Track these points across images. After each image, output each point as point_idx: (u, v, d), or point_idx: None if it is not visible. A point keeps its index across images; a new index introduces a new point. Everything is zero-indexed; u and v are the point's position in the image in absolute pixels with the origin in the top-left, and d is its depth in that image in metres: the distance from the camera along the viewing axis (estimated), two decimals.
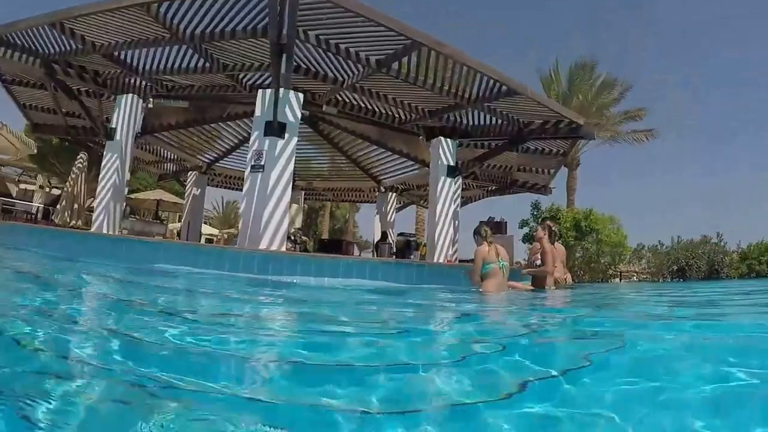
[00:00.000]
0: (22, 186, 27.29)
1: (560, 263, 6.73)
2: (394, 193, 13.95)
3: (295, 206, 10.10)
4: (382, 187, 14.05)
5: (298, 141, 14.58)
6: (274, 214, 7.15)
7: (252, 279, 5.78)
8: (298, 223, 9.68)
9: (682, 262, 20.08)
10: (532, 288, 6.34)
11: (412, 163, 12.48)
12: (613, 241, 17.20)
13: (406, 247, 11.50)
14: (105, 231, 8.58)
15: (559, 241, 7.84)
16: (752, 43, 71.37)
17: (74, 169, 10.98)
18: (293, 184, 15.85)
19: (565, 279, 6.89)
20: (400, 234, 12.33)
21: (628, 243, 19.25)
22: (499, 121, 9.26)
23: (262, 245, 6.86)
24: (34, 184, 26.41)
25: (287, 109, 7.52)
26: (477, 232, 6.22)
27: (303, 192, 15.67)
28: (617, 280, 21.47)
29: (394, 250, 11.65)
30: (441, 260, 8.97)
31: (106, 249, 6.46)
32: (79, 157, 11.19)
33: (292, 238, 9.74)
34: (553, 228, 6.62)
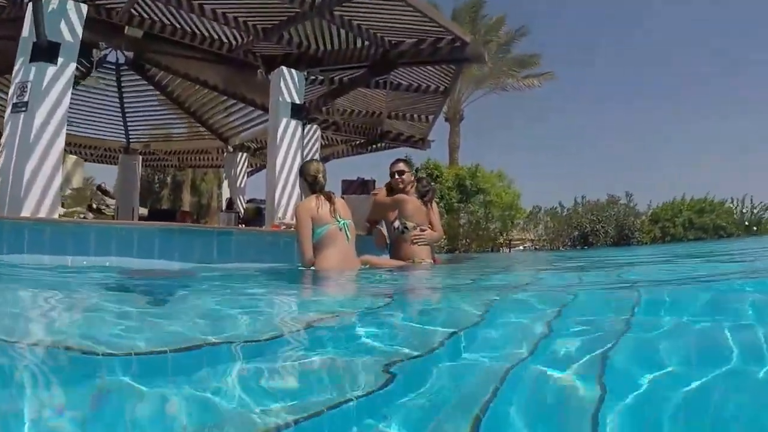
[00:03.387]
0: None
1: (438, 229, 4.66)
2: (245, 153, 11.43)
3: (73, 158, 7.33)
4: (230, 147, 11.45)
5: (128, 94, 11.71)
6: (41, 168, 4.86)
7: None
8: (77, 183, 6.97)
9: (586, 227, 17.91)
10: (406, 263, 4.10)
11: (261, 113, 10.04)
12: (504, 202, 15.46)
13: (258, 215, 9.23)
14: None
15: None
16: None
17: None
18: (128, 148, 13.02)
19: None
20: (250, 200, 9.98)
21: (522, 205, 17.73)
22: (359, 43, 7.17)
23: (25, 211, 4.61)
24: None
25: (63, 25, 4.98)
26: (302, 174, 4.04)
27: (141, 156, 12.66)
28: (508, 250, 19.13)
29: (241, 220, 9.31)
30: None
31: None
32: None
33: (95, 206, 7.08)
34: (426, 182, 4.56)
